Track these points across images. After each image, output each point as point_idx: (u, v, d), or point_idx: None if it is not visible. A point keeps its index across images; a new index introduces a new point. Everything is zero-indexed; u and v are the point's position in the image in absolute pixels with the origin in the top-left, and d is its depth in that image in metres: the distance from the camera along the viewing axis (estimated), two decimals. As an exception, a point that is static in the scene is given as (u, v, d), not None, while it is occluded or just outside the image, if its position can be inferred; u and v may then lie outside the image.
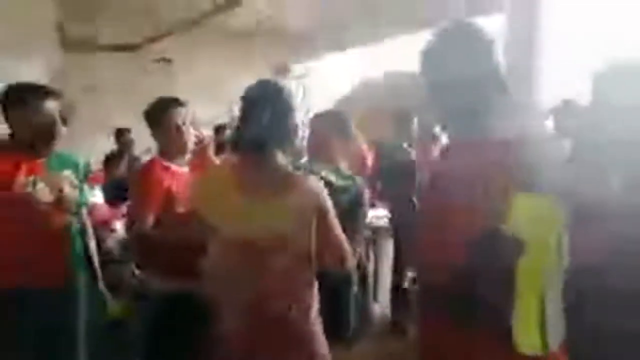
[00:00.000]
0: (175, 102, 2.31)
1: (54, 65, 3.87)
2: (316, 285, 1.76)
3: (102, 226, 3.55)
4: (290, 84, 1.86)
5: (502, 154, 1.24)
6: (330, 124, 2.31)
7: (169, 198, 2.16)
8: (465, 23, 1.37)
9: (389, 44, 6.66)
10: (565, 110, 3.47)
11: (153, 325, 2.21)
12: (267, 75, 5.93)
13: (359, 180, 2.24)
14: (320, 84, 7.44)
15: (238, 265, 1.65)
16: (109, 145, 5.09)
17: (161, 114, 2.29)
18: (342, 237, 1.74)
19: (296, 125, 1.75)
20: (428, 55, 1.38)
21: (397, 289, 4.05)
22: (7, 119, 2.09)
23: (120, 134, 5.31)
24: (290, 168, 1.74)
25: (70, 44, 4.80)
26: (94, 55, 5.61)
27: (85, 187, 2.38)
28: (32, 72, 3.53)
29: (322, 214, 1.67)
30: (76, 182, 2.23)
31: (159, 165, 2.26)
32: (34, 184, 2.04)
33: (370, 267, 4.37)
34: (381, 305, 4.30)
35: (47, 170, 2.12)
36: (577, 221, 1.25)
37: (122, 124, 5.13)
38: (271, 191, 1.65)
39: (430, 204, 1.43)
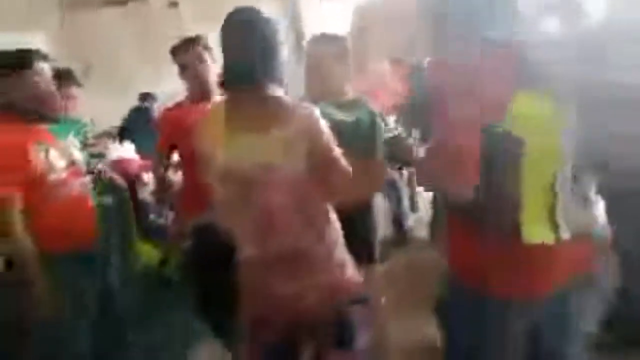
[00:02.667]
0: (186, 42, 2.35)
1: (57, 31, 3.87)
2: (332, 214, 1.73)
3: (135, 179, 3.66)
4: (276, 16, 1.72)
5: (506, 56, 1.25)
6: (329, 48, 2.18)
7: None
8: None
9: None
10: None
11: (192, 259, 2.31)
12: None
13: (366, 105, 2.17)
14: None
15: (237, 199, 1.66)
16: (129, 101, 5.16)
17: (175, 58, 2.40)
18: (342, 165, 1.67)
19: (284, 57, 1.66)
20: None
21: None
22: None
23: (144, 98, 5.42)
24: (283, 98, 1.65)
25: (72, 6, 4.78)
26: (101, 12, 5.57)
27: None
28: (40, 40, 3.55)
29: (313, 143, 1.60)
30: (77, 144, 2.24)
31: (168, 109, 2.47)
32: (47, 151, 2.02)
33: (405, 178, 4.36)
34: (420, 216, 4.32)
35: (56, 138, 2.11)
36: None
37: (140, 79, 5.14)
38: (259, 123, 1.59)
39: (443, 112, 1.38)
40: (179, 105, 2.46)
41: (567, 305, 1.39)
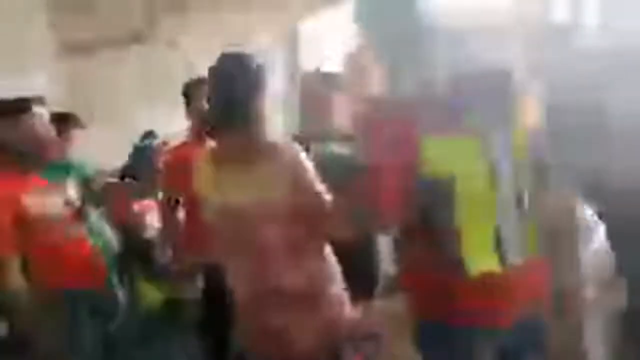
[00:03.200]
0: (200, 81, 2.39)
1: (59, 75, 3.94)
2: (327, 249, 1.74)
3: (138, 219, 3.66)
4: (260, 54, 1.78)
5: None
6: (321, 82, 2.25)
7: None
8: None
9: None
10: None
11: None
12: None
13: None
14: (312, 43, 7.21)
15: (230, 237, 1.68)
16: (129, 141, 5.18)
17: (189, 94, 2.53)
18: (325, 204, 1.67)
19: (270, 94, 1.71)
20: None
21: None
22: None
23: (146, 136, 5.46)
24: (268, 137, 1.69)
25: (71, 50, 4.87)
26: (101, 54, 5.66)
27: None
28: (38, 85, 3.61)
29: (297, 177, 1.63)
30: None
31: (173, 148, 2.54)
32: (42, 196, 2.06)
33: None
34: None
35: (50, 182, 2.14)
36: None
37: (140, 119, 5.19)
38: (246, 161, 1.64)
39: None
40: (183, 144, 2.51)
41: (534, 332, 1.40)
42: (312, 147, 2.06)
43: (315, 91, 2.24)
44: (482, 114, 1.31)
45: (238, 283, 1.74)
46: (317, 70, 2.34)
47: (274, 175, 1.60)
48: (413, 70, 1.37)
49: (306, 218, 1.63)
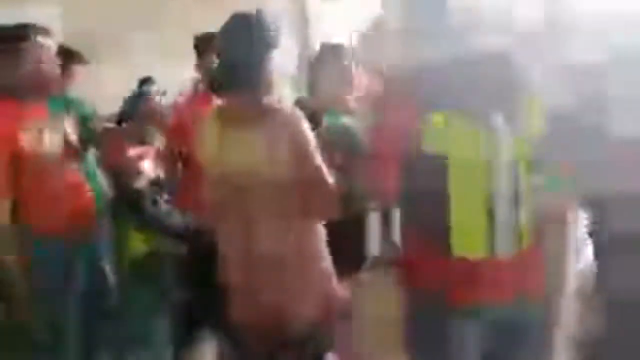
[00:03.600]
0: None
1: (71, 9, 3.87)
2: (318, 224, 1.74)
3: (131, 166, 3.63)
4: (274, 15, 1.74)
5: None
6: (335, 54, 2.22)
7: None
8: None
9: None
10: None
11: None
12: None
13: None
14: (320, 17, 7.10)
15: (224, 202, 1.67)
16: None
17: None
18: (323, 176, 1.67)
19: (272, 63, 1.68)
20: None
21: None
22: None
23: (143, 82, 5.39)
24: (272, 101, 1.66)
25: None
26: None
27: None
28: (46, 15, 3.54)
29: (296, 144, 1.61)
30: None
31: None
32: (40, 131, 1.99)
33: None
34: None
35: (51, 116, 2.08)
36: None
37: (146, 64, 5.11)
38: (245, 125, 1.63)
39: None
40: (192, 97, 2.48)
41: (518, 326, 1.41)
42: (324, 118, 2.05)
43: (329, 63, 2.21)
44: (485, 98, 1.32)
45: (229, 249, 1.74)
46: (331, 42, 2.32)
47: (273, 139, 1.59)
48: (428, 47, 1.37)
49: (300, 188, 1.63)
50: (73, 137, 2.14)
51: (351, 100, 2.21)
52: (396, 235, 2.03)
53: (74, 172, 2.13)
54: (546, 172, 1.37)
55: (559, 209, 1.46)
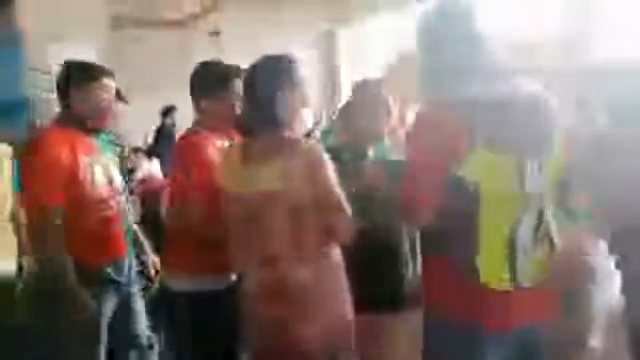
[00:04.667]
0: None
1: (105, 46, 4.04)
2: (332, 250, 1.75)
3: (154, 197, 3.71)
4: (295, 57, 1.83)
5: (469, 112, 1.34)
6: (368, 94, 2.19)
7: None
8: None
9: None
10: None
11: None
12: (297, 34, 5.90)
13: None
14: (352, 48, 7.24)
15: (242, 228, 1.73)
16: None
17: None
18: (339, 204, 1.68)
19: (293, 102, 1.74)
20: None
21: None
22: (64, 96, 2.13)
23: (166, 113, 5.58)
24: (291, 136, 1.73)
25: (119, 24, 4.98)
26: (145, 32, 5.78)
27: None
28: (86, 54, 3.71)
29: (314, 175, 1.65)
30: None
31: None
32: (91, 166, 2.09)
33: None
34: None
35: (101, 153, 2.18)
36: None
37: (176, 100, 5.27)
38: (265, 156, 1.68)
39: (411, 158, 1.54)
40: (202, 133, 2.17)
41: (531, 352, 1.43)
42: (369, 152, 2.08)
43: (373, 98, 2.26)
44: (518, 133, 1.36)
45: (248, 275, 1.80)
46: (367, 80, 2.39)
47: (292, 169, 1.64)
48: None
49: (318, 216, 1.67)
50: (116, 176, 2.22)
51: (389, 133, 2.25)
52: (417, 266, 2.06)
53: (115, 209, 2.21)
54: (567, 204, 1.43)
55: (578, 240, 1.50)
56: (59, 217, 1.98)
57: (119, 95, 2.75)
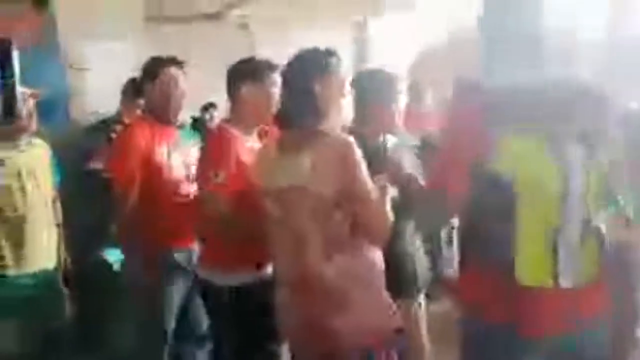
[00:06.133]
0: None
1: (140, 42, 4.12)
2: (366, 249, 1.75)
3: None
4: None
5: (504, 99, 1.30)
6: (372, 85, 2.22)
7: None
8: None
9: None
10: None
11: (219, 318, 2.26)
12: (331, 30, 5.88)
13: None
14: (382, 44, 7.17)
15: (274, 223, 1.77)
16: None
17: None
18: (375, 203, 1.68)
19: (330, 94, 1.78)
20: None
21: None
22: (142, 91, 2.33)
23: (206, 107, 5.64)
24: (322, 129, 1.74)
25: (154, 20, 5.06)
26: (175, 27, 5.85)
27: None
28: (126, 50, 3.80)
29: (344, 168, 1.65)
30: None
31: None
32: (169, 154, 2.24)
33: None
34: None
35: (179, 141, 2.34)
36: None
37: (206, 94, 5.34)
38: (294, 149, 1.71)
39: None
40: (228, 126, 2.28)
41: (577, 352, 1.38)
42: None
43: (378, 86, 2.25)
44: (564, 128, 1.32)
45: (279, 269, 1.85)
46: (370, 70, 2.39)
47: (320, 162, 1.65)
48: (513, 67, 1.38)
49: (349, 209, 1.68)
50: (191, 160, 2.32)
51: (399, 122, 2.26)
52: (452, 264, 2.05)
53: (189, 195, 2.31)
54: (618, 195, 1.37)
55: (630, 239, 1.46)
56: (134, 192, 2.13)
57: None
